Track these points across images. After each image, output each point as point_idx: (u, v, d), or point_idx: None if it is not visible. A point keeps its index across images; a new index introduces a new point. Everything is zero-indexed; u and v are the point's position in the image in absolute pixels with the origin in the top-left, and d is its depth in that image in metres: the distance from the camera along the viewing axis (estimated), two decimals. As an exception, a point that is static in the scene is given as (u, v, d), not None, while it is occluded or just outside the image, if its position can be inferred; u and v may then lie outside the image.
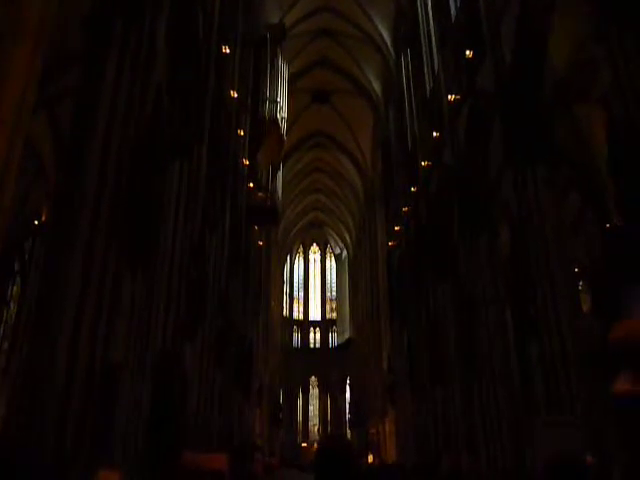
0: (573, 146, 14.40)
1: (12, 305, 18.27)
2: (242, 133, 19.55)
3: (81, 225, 6.30)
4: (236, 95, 17.45)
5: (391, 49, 26.74)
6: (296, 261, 50.14)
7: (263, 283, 28.71)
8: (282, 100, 24.82)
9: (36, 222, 16.12)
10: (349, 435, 40.77)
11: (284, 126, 24.90)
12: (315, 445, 39.34)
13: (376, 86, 30.64)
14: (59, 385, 5.91)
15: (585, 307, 16.82)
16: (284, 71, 25.69)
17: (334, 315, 48.88)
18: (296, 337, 47.13)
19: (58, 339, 6.01)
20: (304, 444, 40.67)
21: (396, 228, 25.50)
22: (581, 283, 18.60)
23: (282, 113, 24.66)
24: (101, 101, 6.74)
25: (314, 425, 44.32)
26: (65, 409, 5.85)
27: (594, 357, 8.50)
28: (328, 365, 44.07)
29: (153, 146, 7.75)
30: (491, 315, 13.43)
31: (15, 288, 18.60)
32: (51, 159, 14.27)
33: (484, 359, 13.21)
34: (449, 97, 16.42)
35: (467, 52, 14.47)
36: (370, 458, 30.12)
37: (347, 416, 41.67)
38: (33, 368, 6.04)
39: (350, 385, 43.24)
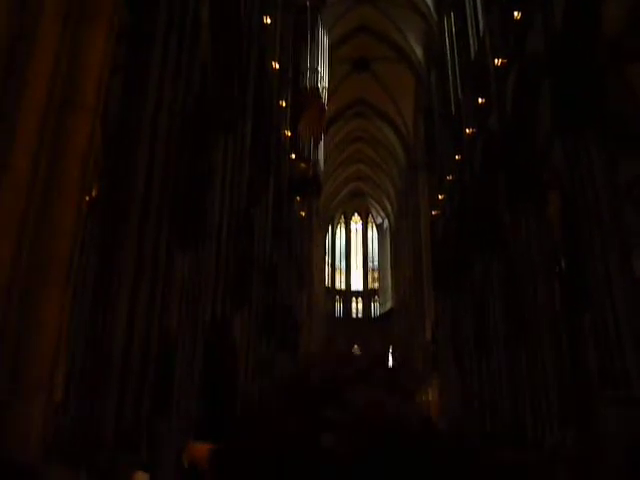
0: (627, 108, 13.81)
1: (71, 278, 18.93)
2: (284, 104, 19.48)
3: (133, 204, 6.45)
4: (278, 66, 17.36)
5: (434, 13, 25.97)
6: (338, 231, 50.11)
7: (306, 253, 28.91)
8: (323, 69, 24.53)
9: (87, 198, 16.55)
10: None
11: (325, 95, 24.66)
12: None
13: (418, 52, 29.91)
14: (118, 353, 6.15)
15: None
16: (324, 39, 25.33)
17: (376, 285, 48.87)
18: (338, 307, 47.37)
19: (117, 310, 6.23)
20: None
21: (439, 197, 25.11)
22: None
23: (323, 82, 24.40)
24: (149, 79, 6.83)
25: (358, 393, 44.88)
26: (123, 383, 6.09)
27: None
28: (370, 335, 44.25)
29: (200, 123, 7.83)
30: (539, 286, 13.19)
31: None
32: (99, 136, 14.54)
33: (532, 329, 13.05)
34: (495, 61, 15.91)
35: (515, 13, 13.97)
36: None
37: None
38: (94, 336, 6.28)
39: (393, 354, 43.43)
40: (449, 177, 22.95)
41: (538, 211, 13.63)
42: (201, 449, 3.53)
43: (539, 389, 12.46)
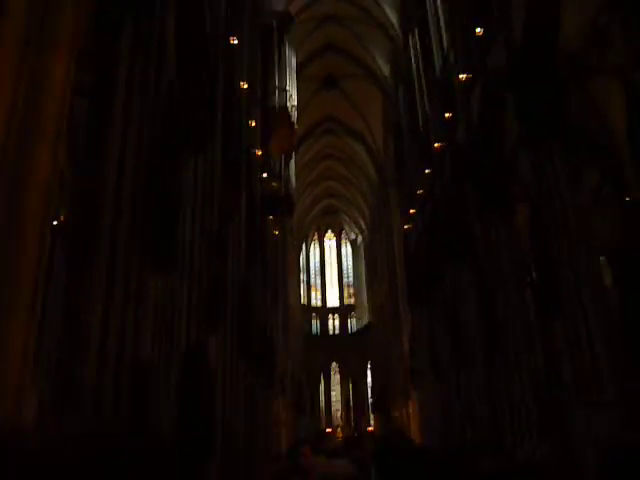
0: (589, 121, 14.18)
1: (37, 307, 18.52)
2: (254, 124, 19.52)
3: (102, 227, 6.36)
4: (246, 86, 17.41)
5: (398, 30, 26.46)
6: (312, 248, 50.20)
7: (280, 272, 28.81)
8: (291, 88, 24.73)
9: (55, 222, 16.29)
10: (372, 419, 41.02)
11: (295, 114, 24.83)
12: (339, 430, 39.67)
13: (385, 69, 30.38)
14: (90, 386, 6.00)
15: (607, 281, 16.64)
16: (292, 59, 25.57)
17: (352, 301, 48.97)
18: (315, 324, 47.30)
19: (87, 338, 6.09)
20: (328, 429, 40.97)
21: (411, 211, 25.37)
22: (602, 258, 18.38)
23: (292, 101, 24.59)
24: (115, 102, 6.76)
25: (337, 410, 44.60)
26: (98, 407, 5.94)
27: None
28: (348, 351, 44.23)
29: (168, 144, 7.78)
30: (511, 295, 13.36)
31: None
32: (66, 159, 14.35)
33: (506, 340, 13.18)
34: (460, 76, 16.22)
35: (477, 29, 14.27)
36: (395, 441, 30.23)
37: (369, 400, 41.89)
38: (63, 370, 6.12)
39: (371, 370, 43.41)
40: (419, 191, 23.21)
41: (507, 222, 13.84)
42: None
43: (516, 397, 12.58)
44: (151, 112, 7.12)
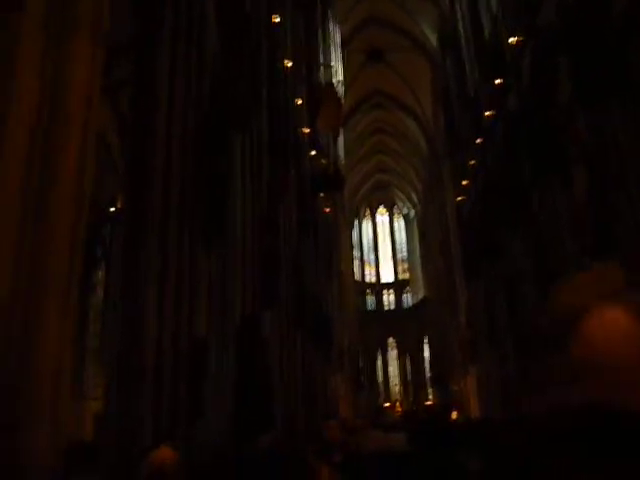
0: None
1: (99, 290, 19.32)
2: (300, 102, 19.49)
3: (153, 210, 6.53)
4: (290, 64, 17.36)
5: (444, -4, 25.72)
6: (364, 224, 50.03)
7: (333, 249, 28.90)
8: (337, 63, 24.51)
9: (112, 209, 16.86)
10: (431, 393, 40.95)
11: (341, 89, 24.62)
12: (397, 405, 39.80)
13: (431, 37, 29.64)
14: (150, 364, 6.23)
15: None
16: (336, 34, 25.30)
17: (406, 276, 48.65)
18: (370, 300, 47.32)
19: (144, 320, 6.32)
20: (387, 404, 41.18)
21: (464, 182, 24.83)
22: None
23: (338, 76, 24.38)
24: (158, 84, 6.89)
25: (395, 385, 44.73)
26: (158, 387, 6.18)
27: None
28: (404, 326, 44.11)
29: (214, 123, 7.88)
30: (569, 261, 12.95)
31: (100, 273, 19.64)
32: (118, 146, 14.78)
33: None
34: (510, 40, 15.64)
35: (526, -12, 13.71)
36: (454, 414, 30.16)
37: (427, 374, 41.76)
38: (123, 350, 6.38)
39: (428, 344, 43.20)
40: (472, 162, 22.69)
41: (565, 186, 13.36)
42: (166, 453, 3.33)
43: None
44: (195, 93, 7.21)
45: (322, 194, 24.23)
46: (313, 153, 21.75)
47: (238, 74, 9.52)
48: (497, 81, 17.48)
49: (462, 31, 23.21)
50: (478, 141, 20.98)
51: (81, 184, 4.03)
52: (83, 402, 15.68)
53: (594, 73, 10.29)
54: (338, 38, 25.89)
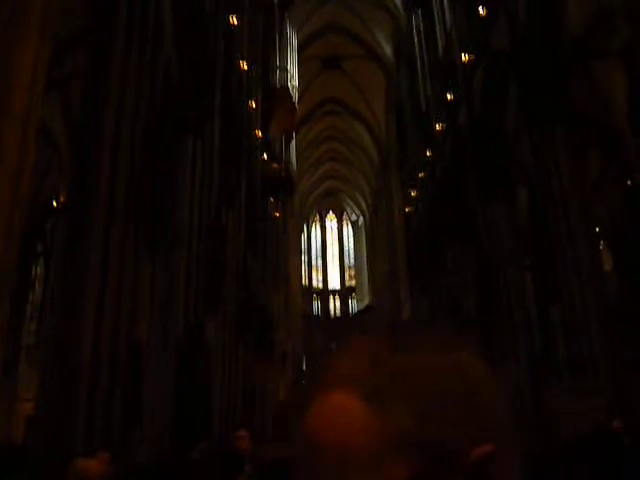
0: (592, 104, 14.04)
1: (37, 286, 18.60)
2: (254, 105, 19.37)
3: (97, 210, 6.34)
4: (246, 66, 17.24)
5: (401, 10, 26.12)
6: (313, 230, 50.12)
7: (281, 253, 28.83)
8: (292, 68, 24.49)
9: (55, 204, 16.26)
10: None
11: (296, 94, 24.62)
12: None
13: (387, 49, 30.06)
14: (86, 364, 6.04)
15: (607, 266, 16.65)
16: (293, 38, 25.28)
17: (353, 282, 49.01)
18: (316, 305, 47.41)
19: (82, 321, 6.13)
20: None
21: (412, 193, 25.26)
22: (602, 242, 18.36)
23: (293, 81, 24.36)
24: (110, 81, 6.70)
25: (337, 391, 44.91)
26: (93, 390, 5.99)
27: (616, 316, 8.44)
28: (349, 332, 44.14)
29: (165, 125, 7.72)
30: (511, 278, 13.35)
31: (39, 269, 18.91)
32: (64, 140, 14.29)
33: (504, 323, 13.19)
34: (463, 57, 16.03)
35: (480, 9, 14.07)
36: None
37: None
38: (60, 348, 6.16)
39: (372, 351, 43.55)
40: (421, 174, 23.10)
41: (508, 205, 13.78)
42: (90, 465, 3.24)
43: (512, 381, 12.63)
44: (147, 93, 7.04)
45: (272, 199, 24.15)
46: (265, 157, 21.65)
47: (193, 75, 9.38)
48: (449, 97, 17.88)
49: (417, 45, 23.63)
50: (428, 154, 21.38)
51: (19, 183, 3.87)
52: (16, 403, 15.07)
53: (541, 96, 10.67)
54: (295, 43, 25.89)
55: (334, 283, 49.01)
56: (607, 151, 15.78)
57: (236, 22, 14.95)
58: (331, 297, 48.17)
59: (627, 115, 13.28)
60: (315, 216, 50.18)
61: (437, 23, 20.33)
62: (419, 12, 23.14)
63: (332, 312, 47.75)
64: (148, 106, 7.33)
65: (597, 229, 17.30)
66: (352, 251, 50.02)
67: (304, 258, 47.60)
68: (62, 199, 16.83)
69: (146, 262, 7.41)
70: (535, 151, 10.93)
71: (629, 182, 15.08)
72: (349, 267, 49.76)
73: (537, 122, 10.84)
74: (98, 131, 6.76)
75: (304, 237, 48.52)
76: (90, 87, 7.14)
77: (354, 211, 49.62)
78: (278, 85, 23.76)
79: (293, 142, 29.94)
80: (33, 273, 18.78)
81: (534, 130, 11.02)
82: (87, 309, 6.12)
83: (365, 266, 47.34)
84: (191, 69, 10.00)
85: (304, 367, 40.55)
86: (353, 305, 47.89)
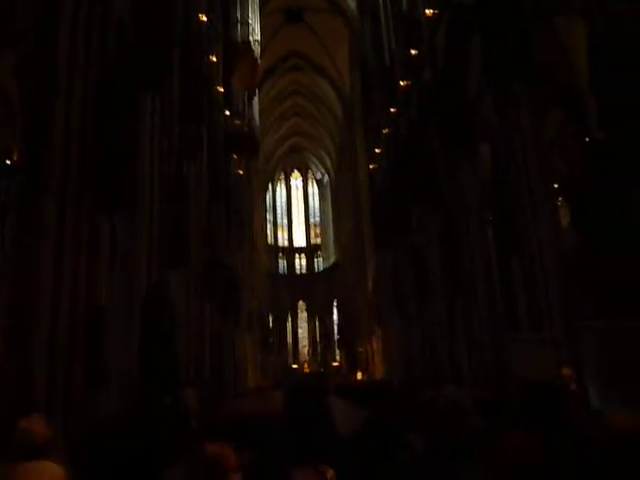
0: (555, 63, 14.09)
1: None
2: (215, 59, 18.83)
3: (51, 168, 6.15)
4: (205, 19, 16.67)
5: (365, -39, 25.51)
6: (278, 188, 49.84)
7: (246, 212, 28.63)
8: (254, 22, 23.81)
9: (8, 162, 15.64)
10: (338, 355, 42.13)
11: (258, 49, 24.03)
12: (306, 366, 40.73)
13: (351, 2, 29.43)
14: (45, 326, 5.96)
15: (565, 222, 17.04)
16: (254, -10, 24.49)
17: (319, 240, 49.21)
18: (282, 264, 47.57)
19: (40, 282, 6.01)
20: (295, 365, 42.02)
21: (377, 150, 25.23)
22: (560, 199, 18.73)
23: (255, 35, 23.73)
24: (60, 37, 6.40)
25: (304, 347, 45.62)
26: (52, 350, 5.93)
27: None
28: (315, 289, 44.85)
29: (120, 80, 7.45)
30: (473, 233, 13.61)
31: (-6, 230, 18.37)
32: (17, 97, 13.68)
33: (467, 278, 13.50)
34: (426, 11, 15.83)
35: (444, -38, 13.84)
36: (359, 375, 31.29)
37: (336, 337, 42.89)
38: (16, 310, 6.05)
39: (337, 308, 44.22)
40: (385, 130, 23.03)
41: (471, 162, 13.90)
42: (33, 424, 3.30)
43: (474, 333, 13.03)
44: (99, 46, 6.76)
45: (235, 156, 23.79)
46: (227, 113, 21.20)
47: (149, 27, 9.03)
48: (413, 52, 17.71)
49: (381, -2, 23.21)
50: (392, 110, 21.27)
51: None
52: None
53: (503, 51, 10.63)
54: (257, -5, 25.13)
55: (300, 241, 49.14)
56: (568, 109, 15.94)
57: (194, -29, 14.36)
58: (297, 255, 48.37)
59: (587, 74, 13.37)
60: (280, 174, 49.83)
61: (401, -25, 19.94)
62: (383, -37, 22.62)
63: (298, 270, 48.03)
64: (101, 60, 7.05)
65: (556, 185, 17.64)
66: (317, 209, 50.03)
67: (269, 216, 47.47)
68: (15, 158, 16.23)
69: (105, 221, 7.25)
70: (497, 108, 10.99)
71: (587, 139, 15.31)
72: (314, 225, 49.87)
73: (499, 79, 10.84)
74: (50, 85, 6.50)
75: (269, 195, 48.25)
76: (39, 41, 6.80)
77: (319, 169, 49.41)
78: (240, 39, 23.12)
79: (256, 98, 29.38)
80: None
81: (496, 87, 11.04)
82: (44, 269, 6.00)
83: (330, 224, 47.50)
84: (147, 21, 9.60)
85: (270, 325, 40.98)
86: (319, 263, 48.22)
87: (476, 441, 2.35)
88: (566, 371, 6.41)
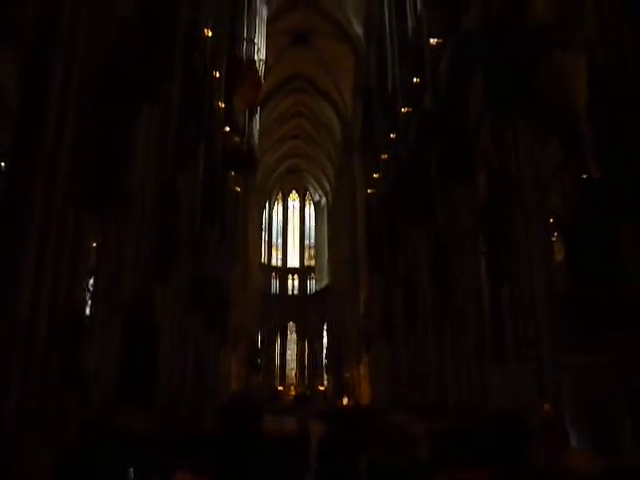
0: (554, 94, 14.17)
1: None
2: (218, 75, 18.91)
3: (39, 168, 6.03)
4: (211, 34, 16.77)
5: (374, -11, 25.85)
6: (275, 208, 49.83)
7: (241, 229, 28.51)
8: (260, 41, 23.99)
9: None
10: (325, 379, 41.71)
11: (262, 68, 24.17)
12: (292, 389, 40.24)
13: (358, 28, 29.75)
14: (22, 333, 5.80)
15: (558, 257, 16.98)
16: (262, 10, 24.73)
17: (312, 262, 49.08)
18: (274, 283, 47.34)
19: (19, 290, 5.85)
20: (280, 387, 41.53)
21: (375, 175, 25.28)
22: (556, 234, 18.70)
23: (260, 55, 23.88)
24: (58, 38, 6.33)
25: (291, 369, 45.16)
26: (28, 358, 5.76)
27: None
28: (306, 311, 44.58)
29: (118, 86, 7.40)
30: (466, 261, 13.51)
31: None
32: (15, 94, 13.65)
33: (456, 304, 13.38)
34: (431, 40, 15.96)
35: (451, -7, 13.98)
36: (345, 400, 30.91)
37: (324, 361, 42.48)
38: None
39: (327, 331, 43.90)
40: (384, 156, 23.09)
41: (466, 190, 13.88)
42: None
43: (463, 361, 12.87)
44: (99, 48, 6.71)
45: (233, 172, 23.75)
46: (227, 129, 21.23)
47: (151, 35, 9.01)
48: (415, 79, 17.83)
49: (387, 26, 23.46)
50: (392, 136, 21.35)
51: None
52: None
53: (505, 81, 10.66)
54: (265, 14, 25.36)
55: (293, 262, 49.00)
56: (566, 143, 15.99)
57: (202, -13, 14.48)
58: (290, 276, 48.17)
59: (586, 109, 13.45)
60: (278, 194, 49.88)
61: (408, 4, 20.18)
62: (391, -8, 22.92)
63: (290, 291, 47.78)
64: (100, 64, 7.00)
65: (551, 220, 17.60)
66: (313, 231, 50.02)
67: (264, 235, 47.37)
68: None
69: (90, 229, 7.13)
70: (495, 137, 10.97)
71: (584, 176, 15.33)
72: (309, 247, 49.79)
73: (498, 107, 10.86)
74: (45, 83, 6.42)
75: (265, 214, 48.23)
76: (37, 41, 6.74)
77: (317, 191, 49.50)
78: (245, 57, 23.26)
79: (257, 117, 29.48)
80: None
81: (496, 116, 11.06)
82: (25, 268, 5.85)
83: (325, 247, 47.40)
84: (151, 30, 9.60)
85: (259, 345, 40.61)
86: (311, 285, 48.00)
87: (420, 472, 2.28)
88: (546, 407, 6.28)
